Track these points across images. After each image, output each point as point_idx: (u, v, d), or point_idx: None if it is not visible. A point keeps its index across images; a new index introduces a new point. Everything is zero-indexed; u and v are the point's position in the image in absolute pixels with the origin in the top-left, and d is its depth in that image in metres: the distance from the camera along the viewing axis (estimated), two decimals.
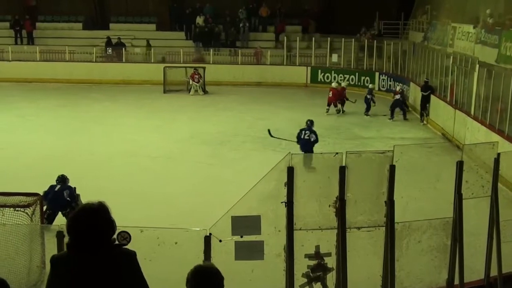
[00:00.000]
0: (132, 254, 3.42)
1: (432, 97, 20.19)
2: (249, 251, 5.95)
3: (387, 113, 21.55)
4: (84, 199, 10.41)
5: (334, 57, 28.02)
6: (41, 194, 9.60)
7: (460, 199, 6.63)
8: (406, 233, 6.52)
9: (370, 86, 23.18)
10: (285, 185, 6.00)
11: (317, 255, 6.28)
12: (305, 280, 6.29)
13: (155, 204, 11.77)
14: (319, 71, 28.28)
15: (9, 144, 16.86)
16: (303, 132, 14.50)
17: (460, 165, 6.55)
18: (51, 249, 5.78)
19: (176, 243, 5.86)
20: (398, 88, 21.60)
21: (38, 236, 7.84)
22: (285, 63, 29.09)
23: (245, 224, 5.89)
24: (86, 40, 30.22)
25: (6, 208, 8.38)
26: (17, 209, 8.43)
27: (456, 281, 6.79)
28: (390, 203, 6.27)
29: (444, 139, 18.10)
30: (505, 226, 7.07)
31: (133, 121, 20.38)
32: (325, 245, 6.27)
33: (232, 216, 5.87)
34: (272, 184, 6.03)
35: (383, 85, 26.24)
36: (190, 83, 26.27)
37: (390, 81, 25.83)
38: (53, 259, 3.44)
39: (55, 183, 10.95)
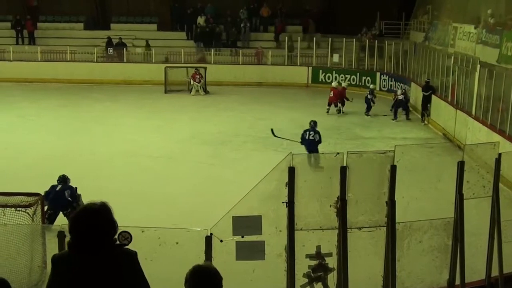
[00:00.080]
0: (133, 254, 3.42)
1: (433, 97, 20.18)
2: (250, 251, 5.95)
3: (387, 113, 21.56)
4: (85, 199, 10.42)
5: (335, 57, 28.01)
6: (42, 194, 9.61)
7: (461, 199, 6.63)
8: (407, 233, 6.52)
9: (371, 86, 23.17)
10: (286, 185, 6.00)
11: (318, 255, 6.28)
12: (306, 280, 6.30)
13: (156, 204, 11.77)
14: (320, 71, 28.27)
15: (10, 144, 16.88)
16: (308, 133, 14.68)
17: (461, 165, 6.55)
18: (52, 249, 5.78)
19: (177, 243, 5.87)
20: (399, 92, 21.56)
21: (39, 236, 7.85)
22: (286, 63, 29.09)
23: (246, 224, 5.89)
24: (87, 40, 30.22)
25: (7, 208, 8.38)
26: (18, 209, 8.43)
27: (457, 281, 6.79)
28: (391, 203, 6.27)
29: (445, 139, 18.09)
30: (506, 226, 7.07)
31: (134, 121, 20.39)
32: (326, 245, 6.27)
33: (233, 216, 5.88)
34: (273, 184, 6.04)
35: (384, 85, 26.23)
36: (191, 83, 26.27)
37: (391, 81, 25.83)
38: (54, 259, 3.44)
39: (56, 183, 10.96)
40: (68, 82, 27.89)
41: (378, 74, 26.67)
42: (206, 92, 26.24)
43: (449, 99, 18.92)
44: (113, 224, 3.38)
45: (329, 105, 21.99)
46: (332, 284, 6.33)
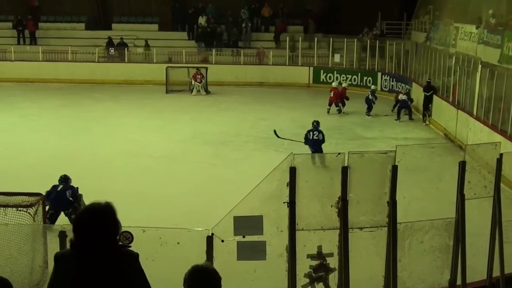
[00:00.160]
0: (135, 256, 3.42)
1: (435, 97, 20.17)
2: (251, 251, 5.95)
3: (389, 113, 21.56)
4: (86, 199, 10.43)
5: (337, 57, 27.99)
6: (44, 194, 9.61)
7: (462, 199, 6.62)
8: (408, 234, 6.52)
9: (373, 87, 23.14)
10: (287, 186, 6.00)
11: (319, 255, 6.28)
12: (307, 280, 6.29)
13: (157, 204, 11.77)
14: (322, 71, 28.27)
15: (11, 144, 16.89)
16: (312, 133, 14.82)
17: (462, 166, 6.54)
18: (54, 249, 5.78)
19: (178, 243, 5.87)
20: (400, 96, 21.53)
21: (40, 236, 7.86)
22: (287, 63, 29.09)
23: (247, 224, 5.89)
24: (89, 40, 30.23)
25: (9, 208, 8.40)
26: (19, 209, 8.45)
27: (459, 282, 6.79)
28: (392, 203, 6.27)
29: (447, 139, 18.08)
30: (508, 227, 7.07)
31: (135, 121, 20.40)
32: (327, 246, 6.27)
33: (234, 216, 5.88)
34: (275, 184, 6.04)
35: (385, 85, 26.21)
36: (193, 83, 26.27)
37: (393, 81, 25.81)
38: (57, 257, 3.44)
39: (57, 183, 10.96)
40: (70, 82, 27.91)
41: (379, 74, 26.65)
42: (207, 92, 26.24)
43: (451, 99, 18.91)
44: (117, 224, 3.38)
45: (330, 105, 22.02)
46: (333, 284, 6.33)
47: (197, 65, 27.54)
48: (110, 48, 29.64)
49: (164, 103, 24.10)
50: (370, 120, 21.14)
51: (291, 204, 6.02)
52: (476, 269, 7.27)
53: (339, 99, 22.11)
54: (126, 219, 3.63)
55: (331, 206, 6.20)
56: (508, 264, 6.99)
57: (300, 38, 29.30)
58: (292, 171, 5.96)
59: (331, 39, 28.09)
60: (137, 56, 29.69)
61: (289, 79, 28.27)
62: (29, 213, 8.55)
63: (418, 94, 22.01)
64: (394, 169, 6.20)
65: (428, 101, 20.35)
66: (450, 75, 19.38)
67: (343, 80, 25.70)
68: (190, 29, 31.45)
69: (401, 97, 21.28)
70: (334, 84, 23.04)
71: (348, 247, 6.19)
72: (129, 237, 5.14)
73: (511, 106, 13.87)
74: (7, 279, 3.46)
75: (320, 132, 14.81)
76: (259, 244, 5.99)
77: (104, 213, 3.34)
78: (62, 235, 5.63)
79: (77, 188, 10.98)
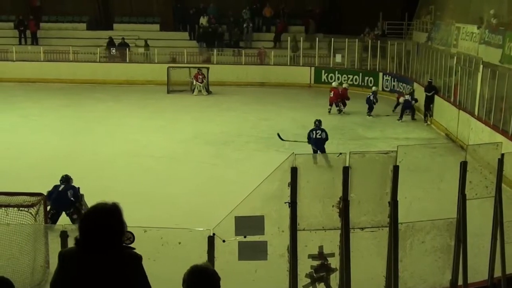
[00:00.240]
0: (139, 258, 3.43)
1: (436, 97, 20.16)
2: (253, 251, 5.95)
3: (390, 113, 21.54)
4: (88, 199, 10.45)
5: (338, 58, 27.97)
6: (45, 194, 9.62)
7: (463, 199, 6.62)
8: (409, 234, 6.52)
9: (374, 88, 23.07)
10: (288, 186, 6.00)
11: (321, 255, 6.28)
12: (309, 280, 6.29)
13: (159, 204, 11.78)
14: (323, 71, 28.26)
15: (12, 144, 16.90)
16: (314, 132, 14.88)
17: (464, 166, 6.54)
18: (55, 248, 5.79)
19: (179, 243, 5.87)
20: (401, 99, 21.51)
21: (42, 236, 7.87)
22: (288, 64, 29.08)
23: (248, 225, 5.89)
24: (90, 40, 30.25)
25: (10, 208, 8.40)
26: (21, 209, 8.46)
27: (460, 282, 6.78)
28: (393, 204, 6.27)
29: (448, 139, 18.08)
30: (509, 227, 7.07)
31: (136, 121, 20.41)
32: (329, 246, 6.27)
33: (235, 216, 5.88)
34: (276, 185, 6.04)
35: (386, 85, 26.20)
36: (194, 83, 26.27)
37: (394, 81, 25.80)
38: (62, 254, 3.45)
39: (59, 183, 10.97)
40: (71, 82, 27.93)
41: (380, 74, 26.64)
42: (208, 92, 26.25)
43: (452, 99, 18.89)
44: (122, 225, 3.39)
45: (331, 105, 22.03)
46: (334, 285, 6.33)
47: (198, 65, 27.54)
48: (111, 48, 29.66)
49: (166, 103, 24.11)
50: (371, 120, 21.14)
51: (293, 204, 6.02)
52: (478, 269, 7.26)
53: (339, 99, 22.12)
54: (128, 219, 3.62)
55: (333, 206, 6.19)
56: (509, 264, 6.99)
57: (301, 38, 29.30)
58: (294, 171, 5.95)
59: (332, 39, 28.07)
60: (139, 56, 29.72)
61: (290, 79, 28.26)
62: (30, 213, 8.56)
63: (419, 94, 21.99)
64: (396, 169, 6.20)
65: (429, 101, 20.33)
66: (451, 75, 19.36)
67: (344, 81, 25.69)
68: (191, 29, 31.46)
69: (405, 97, 21.25)
70: (334, 84, 23.08)
71: (349, 247, 6.19)
72: (131, 237, 5.12)
73: None
74: (9, 279, 3.47)
75: (323, 130, 14.88)
76: (260, 244, 5.99)
77: (111, 213, 3.35)
78: (64, 235, 5.63)
79: (79, 188, 10.99)
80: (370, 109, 21.66)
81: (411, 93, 21.47)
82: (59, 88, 27.01)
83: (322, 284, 6.34)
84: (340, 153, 6.18)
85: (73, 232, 3.49)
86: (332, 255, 6.29)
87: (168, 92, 26.14)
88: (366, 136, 18.80)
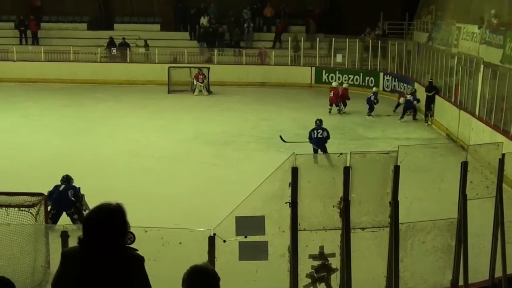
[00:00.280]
0: (142, 260, 3.43)
1: (437, 97, 20.16)
2: (253, 252, 5.95)
3: (390, 113, 21.54)
4: (88, 199, 10.46)
5: (339, 58, 27.98)
6: (46, 194, 9.62)
7: (464, 199, 6.62)
8: (410, 234, 6.51)
9: (375, 89, 23.07)
10: (289, 186, 5.99)
11: (321, 255, 6.27)
12: (309, 280, 6.29)
13: (159, 204, 11.78)
14: (324, 71, 28.26)
15: (13, 144, 16.91)
16: (315, 131, 14.92)
17: (464, 166, 6.53)
18: (56, 249, 5.79)
19: (180, 243, 5.87)
20: (401, 100, 21.49)
21: (42, 236, 7.86)
22: (289, 64, 29.08)
23: (249, 225, 5.89)
24: (91, 40, 30.26)
25: (11, 208, 8.40)
26: (21, 209, 8.45)
27: (461, 282, 6.78)
28: (394, 204, 6.26)
29: (449, 139, 18.07)
30: (510, 227, 7.06)
31: (137, 121, 20.41)
32: (329, 246, 6.26)
33: (236, 217, 5.88)
34: (276, 185, 6.03)
35: (387, 85, 26.20)
36: (194, 83, 26.27)
37: (395, 81, 25.80)
38: (64, 253, 3.45)
39: (59, 183, 10.97)
40: (72, 82, 27.94)
41: (381, 74, 26.64)
42: (209, 92, 26.25)
43: (453, 99, 18.89)
44: (126, 225, 3.39)
45: (331, 105, 22.05)
46: (335, 285, 6.33)
47: (199, 65, 27.54)
48: (112, 48, 29.66)
49: (166, 103, 24.12)
50: (372, 120, 21.13)
51: (293, 204, 6.01)
52: (478, 269, 7.25)
53: (339, 99, 22.12)
54: (128, 219, 3.63)
55: (333, 206, 6.19)
56: (510, 264, 6.98)
57: (302, 38, 29.30)
58: (294, 171, 5.95)
59: (333, 39, 28.07)
60: (139, 56, 29.73)
61: (291, 79, 28.27)
62: (31, 213, 8.56)
63: (420, 94, 21.98)
64: (396, 169, 6.20)
65: (430, 101, 20.33)
66: (452, 75, 19.36)
67: (344, 81, 25.69)
68: (192, 29, 31.46)
69: (407, 97, 21.23)
70: (333, 84, 23.11)
71: (350, 248, 6.18)
72: (131, 237, 5.12)
73: None
74: (9, 279, 3.47)
75: (324, 129, 14.93)
76: (261, 244, 5.98)
77: (115, 214, 3.35)
78: (64, 235, 5.62)
79: (79, 188, 10.99)
80: (371, 109, 21.65)
81: (413, 93, 21.45)
82: (59, 88, 27.01)
83: (322, 284, 6.33)
84: (341, 153, 6.18)
85: (74, 232, 3.49)
86: (333, 255, 6.29)
87: (169, 92, 26.15)
88: (366, 136, 18.79)
